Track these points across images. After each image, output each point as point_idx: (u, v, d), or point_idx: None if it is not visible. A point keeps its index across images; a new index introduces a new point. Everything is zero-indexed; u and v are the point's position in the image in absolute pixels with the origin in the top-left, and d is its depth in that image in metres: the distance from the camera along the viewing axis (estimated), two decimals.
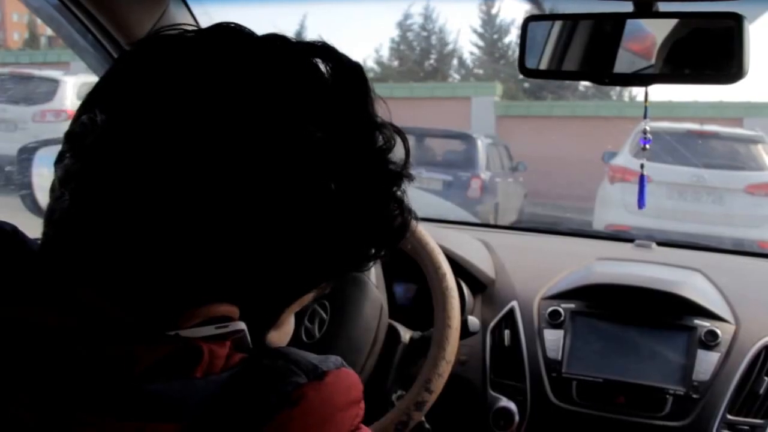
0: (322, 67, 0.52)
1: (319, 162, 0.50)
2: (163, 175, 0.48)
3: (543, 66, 0.98)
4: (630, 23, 0.95)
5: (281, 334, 0.58)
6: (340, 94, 0.52)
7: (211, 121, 0.48)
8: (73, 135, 0.52)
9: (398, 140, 0.55)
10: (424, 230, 1.12)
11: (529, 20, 0.96)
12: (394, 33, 19.52)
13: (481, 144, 7.94)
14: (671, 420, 1.19)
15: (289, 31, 0.55)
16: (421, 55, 19.79)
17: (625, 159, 6.10)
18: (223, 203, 0.48)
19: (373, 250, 0.56)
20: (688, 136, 6.16)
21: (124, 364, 0.47)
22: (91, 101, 0.53)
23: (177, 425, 0.46)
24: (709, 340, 1.21)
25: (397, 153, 0.55)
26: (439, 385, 1.04)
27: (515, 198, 8.47)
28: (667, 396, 1.19)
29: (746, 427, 1.16)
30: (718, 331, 1.22)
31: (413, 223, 0.57)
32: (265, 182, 0.49)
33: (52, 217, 0.52)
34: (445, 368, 1.05)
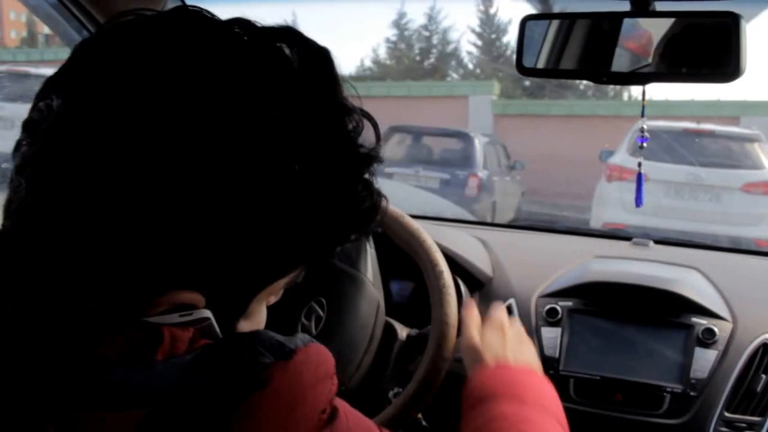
0: (287, 51, 0.51)
1: (284, 145, 0.49)
2: (119, 159, 0.46)
3: (540, 65, 0.98)
4: (627, 22, 0.95)
5: (252, 325, 0.56)
6: (306, 78, 0.51)
7: (170, 106, 0.47)
8: (30, 122, 0.51)
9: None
10: (420, 227, 1.12)
11: (526, 19, 0.96)
12: (391, 32, 19.55)
13: (479, 142, 7.97)
14: (669, 418, 1.19)
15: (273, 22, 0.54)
16: (418, 54, 19.81)
17: (622, 158, 6.10)
18: (183, 187, 0.47)
19: (341, 235, 0.55)
20: (684, 135, 6.20)
21: (86, 355, 0.46)
22: (47, 88, 0.51)
23: (140, 412, 0.45)
24: (707, 338, 1.22)
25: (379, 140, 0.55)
26: (435, 382, 1.04)
27: (512, 196, 8.48)
28: (665, 394, 1.20)
29: (744, 425, 1.17)
30: (716, 329, 1.22)
31: (384, 205, 0.56)
32: (227, 166, 0.47)
33: (9, 207, 0.50)
34: (442, 365, 1.05)
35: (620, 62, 0.96)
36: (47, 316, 0.47)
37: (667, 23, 0.96)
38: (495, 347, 0.86)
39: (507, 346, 0.86)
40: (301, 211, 0.51)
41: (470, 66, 19.81)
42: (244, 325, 0.56)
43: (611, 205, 5.89)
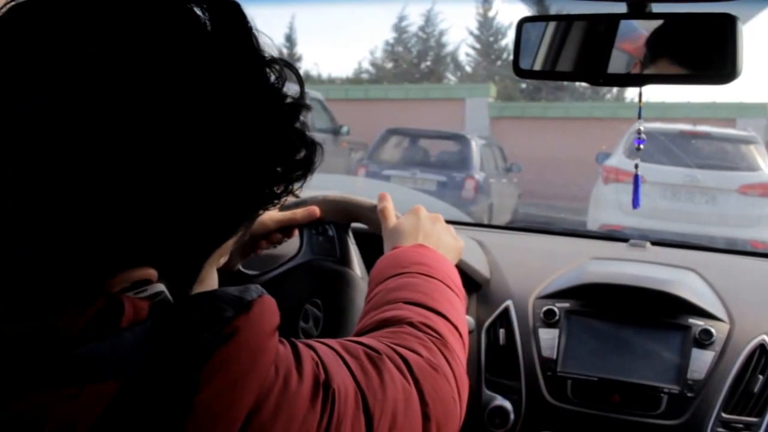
0: (198, 11, 0.52)
1: (211, 103, 0.49)
2: (59, 140, 0.47)
3: (537, 67, 0.98)
4: (624, 24, 0.96)
5: (205, 289, 0.57)
6: (219, 34, 0.52)
7: (95, 76, 0.48)
8: None
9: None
10: None
11: (523, 21, 0.97)
12: (390, 35, 19.54)
13: (476, 145, 7.97)
14: (666, 418, 1.19)
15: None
16: (416, 56, 19.80)
17: (619, 160, 6.09)
18: (115, 157, 0.47)
19: (282, 185, 0.56)
20: (681, 137, 6.18)
21: (50, 333, 0.47)
22: None
23: (115, 382, 0.46)
24: (704, 339, 1.22)
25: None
26: None
27: (509, 198, 8.46)
28: (662, 395, 1.20)
29: (741, 425, 1.17)
30: (713, 330, 1.22)
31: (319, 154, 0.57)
32: (158, 131, 0.48)
33: None
34: None
35: (617, 64, 0.97)
36: (7, 295, 0.48)
37: (663, 25, 0.96)
38: (409, 229, 0.94)
39: (420, 227, 0.94)
40: (238, 164, 0.51)
41: (468, 69, 19.83)
42: (198, 291, 0.57)
43: (608, 207, 5.89)
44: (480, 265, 1.37)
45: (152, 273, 0.51)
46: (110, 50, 0.49)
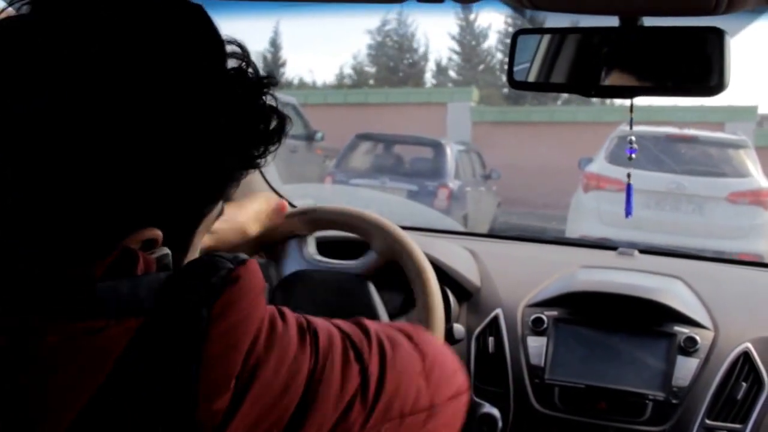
0: (170, 11, 0.58)
1: (195, 91, 0.56)
2: (65, 126, 0.52)
3: (531, 78, 1.00)
4: (616, 37, 0.97)
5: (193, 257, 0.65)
6: (195, 33, 0.58)
7: (95, 76, 0.52)
8: None
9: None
10: (409, 238, 1.13)
11: (518, 33, 0.98)
12: (372, 39, 19.49)
13: (450, 151, 7.59)
14: (651, 425, 1.21)
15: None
16: (397, 61, 19.78)
17: (600, 166, 5.74)
18: (114, 147, 0.53)
19: (259, 150, 0.63)
20: (667, 141, 5.84)
21: (79, 274, 0.53)
22: None
23: (137, 319, 0.51)
24: (689, 347, 1.24)
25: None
26: None
27: (488, 207, 8.13)
28: (647, 401, 1.21)
29: None
30: (697, 338, 1.24)
31: (288, 123, 0.64)
32: (151, 122, 0.53)
33: None
34: None
35: (609, 76, 0.98)
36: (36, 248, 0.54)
37: (654, 38, 0.98)
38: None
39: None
40: (216, 138, 0.58)
41: (451, 73, 19.85)
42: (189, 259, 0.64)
43: (588, 216, 5.50)
44: (471, 273, 1.38)
45: (158, 233, 0.57)
46: (110, 50, 0.52)
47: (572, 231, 5.83)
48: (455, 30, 19.02)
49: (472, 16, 18.71)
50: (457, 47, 19.30)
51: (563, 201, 6.45)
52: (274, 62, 18.86)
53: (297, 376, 0.55)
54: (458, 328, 1.20)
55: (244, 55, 0.62)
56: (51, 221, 0.53)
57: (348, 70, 19.99)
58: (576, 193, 6.04)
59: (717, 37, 0.94)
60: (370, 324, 0.65)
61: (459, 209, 7.20)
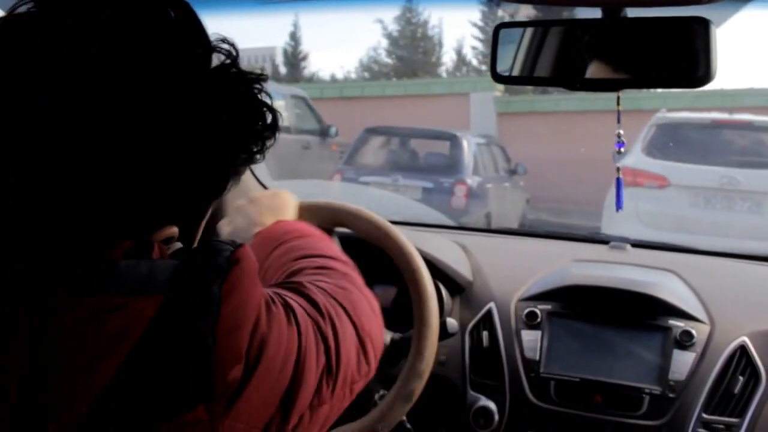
0: (156, 10, 0.59)
1: (192, 92, 0.58)
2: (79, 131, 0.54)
3: (515, 72, 0.99)
4: (600, 29, 0.97)
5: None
6: (187, 33, 0.60)
7: (95, 76, 0.54)
8: None
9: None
10: (401, 233, 1.14)
11: (500, 27, 0.98)
12: (389, 29, 19.13)
13: (468, 144, 6.96)
14: (648, 419, 1.20)
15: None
16: (415, 51, 19.38)
17: (637, 159, 4.87)
18: (117, 146, 0.55)
19: (258, 146, 0.66)
20: (714, 128, 4.99)
21: (100, 255, 0.56)
22: None
23: (158, 298, 0.55)
24: (685, 340, 1.23)
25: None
26: (418, 385, 1.06)
27: (515, 204, 7.50)
28: (644, 395, 1.21)
29: (722, 426, 1.18)
30: (693, 332, 1.23)
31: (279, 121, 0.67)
32: (153, 122, 0.56)
33: None
34: (425, 368, 1.07)
35: (593, 69, 0.98)
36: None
37: (638, 29, 0.97)
38: (258, 216, 1.03)
39: (263, 212, 1.03)
40: (221, 128, 0.61)
41: (474, 62, 19.31)
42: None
43: (624, 216, 4.65)
44: (462, 268, 1.38)
45: (175, 231, 0.63)
46: (109, 50, 0.54)
47: (608, 231, 4.93)
48: (477, 16, 18.52)
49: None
50: (479, 34, 18.77)
51: (598, 197, 5.58)
52: (294, 56, 18.62)
53: (291, 351, 0.62)
54: (451, 322, 1.20)
55: (235, 52, 0.64)
56: (62, 216, 0.56)
57: (365, 62, 19.70)
58: (611, 189, 5.50)
59: (703, 27, 0.93)
60: (317, 296, 0.71)
61: (479, 207, 6.62)
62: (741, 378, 1.20)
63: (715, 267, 1.51)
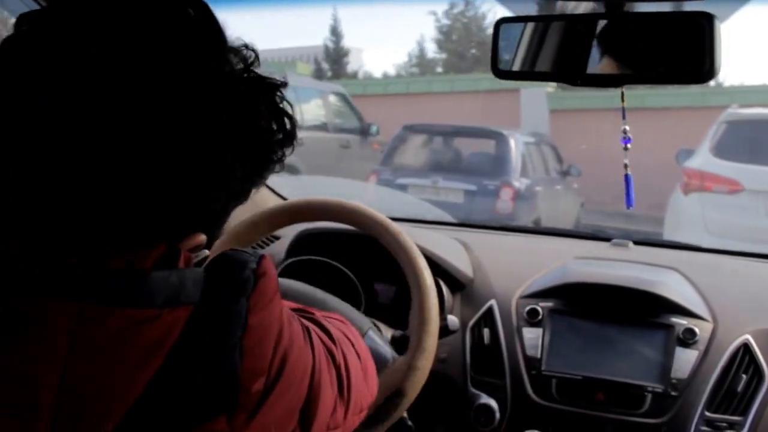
0: (173, 10, 0.58)
1: (200, 96, 0.57)
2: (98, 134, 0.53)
3: (516, 67, 0.98)
4: (602, 24, 0.96)
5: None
6: (198, 34, 0.58)
7: (95, 76, 0.53)
8: None
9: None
10: (402, 230, 1.13)
11: (501, 22, 0.97)
12: (438, 22, 18.43)
13: (515, 143, 6.37)
14: (650, 417, 1.20)
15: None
16: (465, 45, 18.54)
17: (704, 160, 4.42)
18: (121, 148, 0.54)
19: (278, 154, 0.66)
20: None
21: (130, 264, 0.55)
22: None
23: (187, 309, 0.56)
24: (687, 338, 1.22)
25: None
26: (419, 382, 1.05)
27: (568, 208, 6.85)
28: (646, 393, 1.20)
29: (724, 424, 1.17)
30: (696, 329, 1.22)
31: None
32: (157, 124, 0.54)
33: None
34: (425, 363, 1.06)
35: (595, 64, 0.97)
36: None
37: (641, 24, 0.96)
38: None
39: None
40: (238, 142, 0.60)
41: None
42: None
43: (690, 224, 4.24)
44: (463, 265, 1.38)
45: (203, 238, 0.63)
46: (109, 50, 0.53)
47: (672, 239, 4.43)
48: (533, 9, 17.90)
49: None
50: None
51: (660, 201, 5.18)
52: (336, 52, 18.12)
53: (307, 366, 0.63)
54: (452, 320, 1.19)
55: (255, 58, 0.63)
56: (64, 218, 0.54)
57: (412, 58, 19.05)
58: (674, 194, 4.72)
59: (707, 22, 0.92)
60: (328, 325, 0.74)
61: (527, 212, 6.05)
62: (744, 376, 1.19)
63: (719, 265, 1.50)
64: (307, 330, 0.66)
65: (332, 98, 8.02)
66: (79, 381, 0.52)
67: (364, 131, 7.98)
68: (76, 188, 0.54)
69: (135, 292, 0.54)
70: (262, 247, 1.48)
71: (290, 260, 1.21)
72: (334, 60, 18.10)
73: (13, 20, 0.58)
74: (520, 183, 6.12)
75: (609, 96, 9.81)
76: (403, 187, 6.13)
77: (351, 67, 18.24)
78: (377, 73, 18.17)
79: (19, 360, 0.52)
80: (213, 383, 0.55)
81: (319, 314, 0.79)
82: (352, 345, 0.77)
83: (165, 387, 0.54)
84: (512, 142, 6.36)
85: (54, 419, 0.51)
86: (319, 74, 15.97)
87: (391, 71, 18.19)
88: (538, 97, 9.90)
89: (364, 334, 1.01)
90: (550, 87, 10.21)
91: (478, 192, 6.00)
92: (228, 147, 0.58)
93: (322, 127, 7.57)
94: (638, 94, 9.29)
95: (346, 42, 18.37)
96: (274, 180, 1.48)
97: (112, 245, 0.55)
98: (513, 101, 9.74)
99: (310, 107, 7.47)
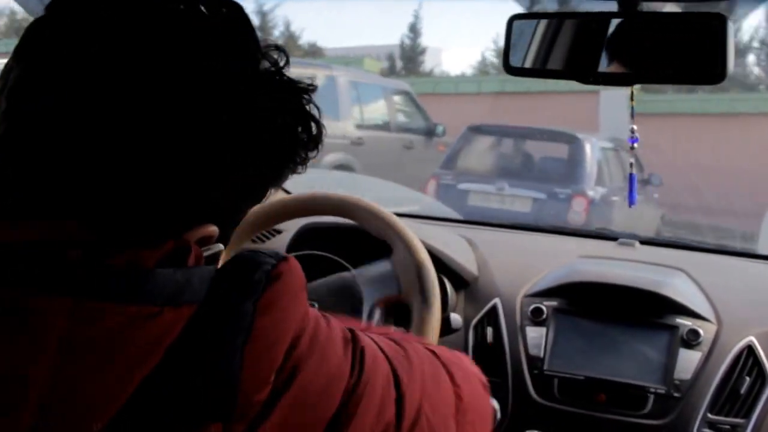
0: (204, 9, 0.58)
1: (211, 98, 0.56)
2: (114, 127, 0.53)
3: (528, 64, 0.98)
4: (614, 22, 0.95)
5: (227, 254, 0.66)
6: (215, 32, 0.57)
7: (95, 76, 0.53)
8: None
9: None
10: (405, 225, 1.12)
11: (513, 18, 0.96)
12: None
13: (591, 148, 5.81)
14: (652, 418, 1.19)
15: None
16: None
17: None
18: (132, 142, 0.53)
19: (299, 157, 0.64)
20: None
21: (134, 260, 0.54)
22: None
23: (189, 307, 0.54)
24: (691, 339, 1.22)
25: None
26: None
27: (647, 221, 6.15)
28: (649, 394, 1.20)
29: (727, 427, 1.17)
30: (700, 331, 1.22)
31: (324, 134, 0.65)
32: (164, 123, 0.54)
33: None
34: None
35: (607, 62, 0.96)
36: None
37: (654, 24, 0.96)
38: None
39: None
40: (259, 143, 0.59)
41: None
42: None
43: None
44: (468, 262, 1.37)
45: (215, 230, 0.60)
46: (109, 50, 0.53)
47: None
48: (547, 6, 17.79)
49: None
50: None
51: (754, 212, 4.86)
52: (413, 49, 17.52)
53: (337, 383, 0.57)
54: (455, 318, 1.19)
55: (285, 61, 0.62)
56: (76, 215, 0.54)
57: (488, 56, 17.79)
58: None
59: (719, 23, 0.91)
60: (413, 350, 0.67)
61: (602, 224, 5.49)
62: (747, 378, 1.19)
63: (725, 266, 1.50)
64: (355, 342, 0.60)
65: (396, 97, 7.63)
66: (72, 378, 0.51)
67: (429, 132, 7.54)
68: (76, 188, 0.54)
69: (136, 288, 0.53)
70: (263, 242, 1.48)
71: (292, 255, 1.21)
72: (409, 58, 17.62)
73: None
74: (594, 192, 5.65)
75: (696, 100, 9.58)
76: (464, 194, 5.67)
77: (427, 66, 17.65)
78: (454, 73, 17.76)
79: (11, 356, 0.51)
80: (208, 387, 0.52)
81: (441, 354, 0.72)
82: (446, 369, 0.69)
83: (158, 387, 0.52)
84: (588, 147, 5.82)
85: (41, 416, 0.50)
86: (391, 72, 15.43)
87: (469, 72, 17.65)
88: (618, 99, 8.98)
89: None
90: (633, 89, 9.64)
91: (548, 200, 5.54)
92: (228, 147, 0.57)
93: (384, 126, 7.24)
94: (729, 98, 8.89)
95: (426, 40, 17.85)
96: (316, 175, 1.48)
97: (113, 243, 0.54)
98: (592, 104, 9.18)
99: (370, 105, 7.09)
